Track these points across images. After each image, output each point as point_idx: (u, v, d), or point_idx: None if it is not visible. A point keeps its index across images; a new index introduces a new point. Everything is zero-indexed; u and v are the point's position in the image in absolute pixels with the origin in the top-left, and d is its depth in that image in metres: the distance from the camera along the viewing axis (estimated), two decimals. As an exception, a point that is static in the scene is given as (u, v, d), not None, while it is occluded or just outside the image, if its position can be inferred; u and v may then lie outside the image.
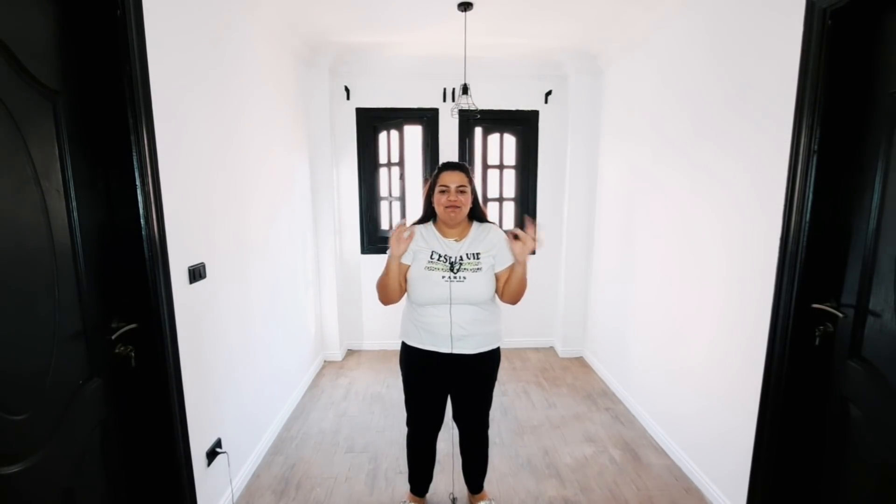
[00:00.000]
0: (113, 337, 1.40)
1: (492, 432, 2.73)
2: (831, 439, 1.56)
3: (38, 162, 1.14)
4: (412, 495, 2.09)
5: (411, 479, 2.07)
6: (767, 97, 1.75)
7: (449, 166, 1.76)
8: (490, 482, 2.25)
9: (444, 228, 1.79)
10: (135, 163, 1.39)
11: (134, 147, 1.38)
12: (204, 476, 1.82)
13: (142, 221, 1.42)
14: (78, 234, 1.28)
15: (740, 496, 1.88)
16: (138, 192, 1.41)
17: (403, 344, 1.85)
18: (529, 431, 2.72)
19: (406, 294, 1.83)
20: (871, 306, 1.40)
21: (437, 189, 1.73)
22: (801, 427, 1.65)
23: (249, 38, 2.36)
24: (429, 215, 1.83)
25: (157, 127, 1.47)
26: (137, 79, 1.38)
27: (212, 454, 1.89)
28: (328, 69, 3.49)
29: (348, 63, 3.57)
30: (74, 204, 1.27)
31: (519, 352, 4.00)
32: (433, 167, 3.83)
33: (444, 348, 1.76)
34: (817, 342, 1.55)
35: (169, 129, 1.57)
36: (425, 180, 3.83)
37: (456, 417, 1.96)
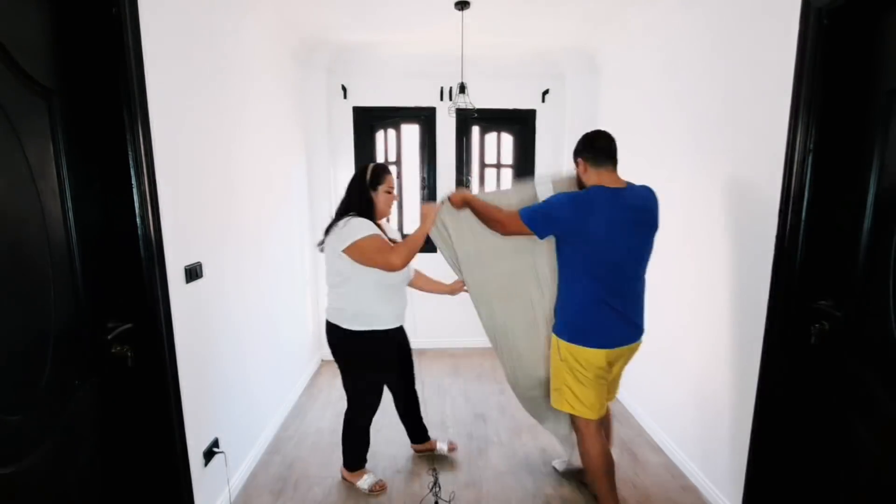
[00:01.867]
0: (109, 337, 1.39)
1: (490, 431, 2.75)
2: (827, 437, 1.57)
3: (33, 161, 1.13)
4: (364, 469, 2.26)
5: (361, 457, 2.25)
6: (764, 96, 1.75)
7: (389, 169, 2.05)
8: (488, 480, 2.26)
9: (378, 220, 2.02)
10: (130, 162, 1.38)
11: (130, 146, 1.38)
12: (201, 476, 1.82)
13: (138, 221, 1.42)
14: (73, 233, 1.27)
15: (737, 494, 1.89)
16: (134, 191, 1.40)
17: (373, 331, 1.98)
18: (527, 430, 2.72)
19: (374, 281, 1.95)
20: (867, 305, 1.41)
21: (385, 190, 1.99)
22: (797, 425, 1.66)
23: (246, 35, 2.35)
24: (365, 210, 1.96)
25: (153, 125, 1.47)
26: (133, 77, 1.37)
27: (209, 454, 1.89)
28: (325, 68, 3.48)
29: (345, 62, 3.56)
30: (70, 203, 1.26)
31: (516, 351, 4.00)
32: (430, 166, 3.84)
33: (404, 321, 2.10)
34: (813, 340, 1.55)
35: (165, 127, 1.56)
36: (423, 179, 3.86)
37: (402, 383, 2.27)
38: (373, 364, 2.06)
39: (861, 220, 1.42)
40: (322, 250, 2.02)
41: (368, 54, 3.51)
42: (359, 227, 1.86)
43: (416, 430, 2.43)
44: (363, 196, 1.97)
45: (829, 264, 1.54)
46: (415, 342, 2.34)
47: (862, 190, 1.42)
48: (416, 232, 1.95)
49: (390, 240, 1.97)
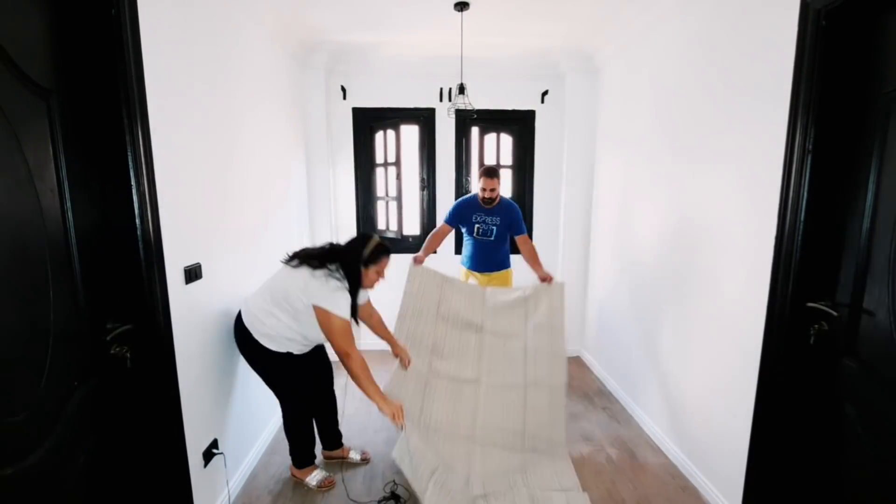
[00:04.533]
0: (108, 338, 1.39)
1: (489, 432, 2.72)
2: (826, 437, 1.57)
3: (32, 162, 1.13)
4: (313, 465, 2.25)
5: (308, 454, 2.23)
6: (763, 97, 1.75)
7: (389, 251, 2.08)
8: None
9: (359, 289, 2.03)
10: (129, 162, 1.39)
11: (129, 147, 1.38)
12: (200, 477, 1.81)
13: (137, 222, 1.42)
14: (72, 234, 1.27)
15: (736, 494, 1.89)
16: (133, 192, 1.40)
17: (288, 353, 2.01)
18: (526, 431, 2.72)
19: (316, 329, 1.96)
20: (865, 305, 1.41)
21: (375, 270, 2.04)
22: (796, 425, 1.66)
23: (245, 36, 2.35)
24: (353, 278, 1.97)
25: (151, 126, 1.47)
26: (132, 78, 1.37)
27: (208, 455, 1.88)
28: (324, 68, 3.49)
29: (345, 62, 3.57)
30: (69, 204, 1.26)
31: (516, 351, 3.99)
32: (430, 167, 3.85)
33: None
34: (812, 341, 1.55)
35: (164, 128, 1.56)
36: (422, 180, 3.86)
37: (321, 386, 2.33)
38: (288, 374, 2.08)
39: (860, 220, 1.43)
40: (288, 265, 2.02)
41: (368, 55, 3.51)
42: (340, 303, 1.90)
43: (330, 435, 2.39)
44: (354, 266, 1.98)
45: (828, 265, 1.54)
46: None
47: (861, 191, 1.42)
48: (376, 396, 1.99)
49: (357, 305, 2.02)
